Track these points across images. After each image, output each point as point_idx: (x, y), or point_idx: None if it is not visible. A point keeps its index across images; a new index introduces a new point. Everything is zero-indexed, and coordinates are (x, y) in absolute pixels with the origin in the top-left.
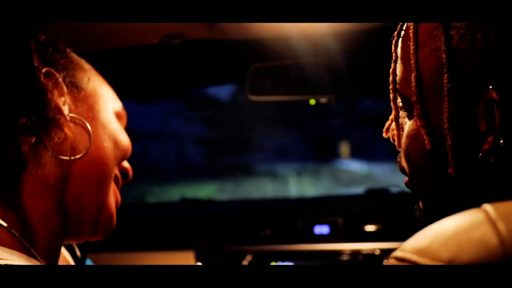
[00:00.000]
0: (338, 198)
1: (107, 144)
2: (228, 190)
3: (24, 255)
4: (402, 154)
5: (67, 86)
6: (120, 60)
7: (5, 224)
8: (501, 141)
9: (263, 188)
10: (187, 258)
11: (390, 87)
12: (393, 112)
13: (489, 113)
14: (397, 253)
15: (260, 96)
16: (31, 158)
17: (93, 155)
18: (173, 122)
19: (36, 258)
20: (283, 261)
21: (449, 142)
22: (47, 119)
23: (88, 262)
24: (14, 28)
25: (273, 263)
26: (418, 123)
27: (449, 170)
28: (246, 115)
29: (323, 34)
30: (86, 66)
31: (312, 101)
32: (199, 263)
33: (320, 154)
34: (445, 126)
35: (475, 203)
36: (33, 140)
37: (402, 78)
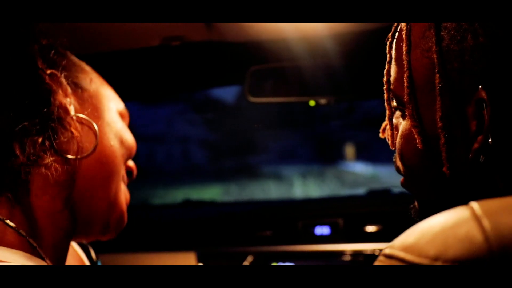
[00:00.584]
0: (338, 199)
1: (114, 143)
2: (233, 192)
3: (29, 255)
4: (397, 154)
5: (70, 87)
6: (121, 62)
7: (13, 225)
8: (490, 140)
9: (268, 190)
10: (188, 259)
11: (384, 87)
12: (387, 112)
13: (479, 113)
14: (386, 250)
15: (260, 98)
16: (38, 158)
17: (100, 154)
18: (178, 124)
19: (42, 258)
20: (284, 262)
21: (442, 141)
22: (53, 120)
23: (98, 263)
24: (18, 32)
25: (274, 264)
26: (410, 123)
27: (444, 169)
28: (250, 117)
29: (321, 36)
30: (87, 68)
31: (312, 103)
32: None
33: (325, 156)
34: (438, 125)
35: (467, 202)
36: (40, 140)
37: (395, 79)
